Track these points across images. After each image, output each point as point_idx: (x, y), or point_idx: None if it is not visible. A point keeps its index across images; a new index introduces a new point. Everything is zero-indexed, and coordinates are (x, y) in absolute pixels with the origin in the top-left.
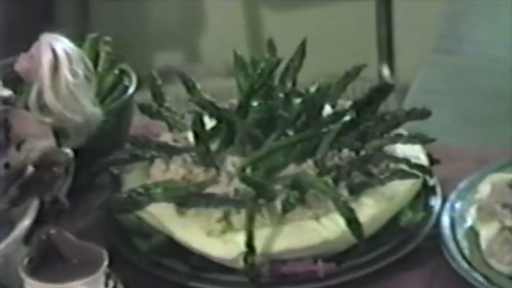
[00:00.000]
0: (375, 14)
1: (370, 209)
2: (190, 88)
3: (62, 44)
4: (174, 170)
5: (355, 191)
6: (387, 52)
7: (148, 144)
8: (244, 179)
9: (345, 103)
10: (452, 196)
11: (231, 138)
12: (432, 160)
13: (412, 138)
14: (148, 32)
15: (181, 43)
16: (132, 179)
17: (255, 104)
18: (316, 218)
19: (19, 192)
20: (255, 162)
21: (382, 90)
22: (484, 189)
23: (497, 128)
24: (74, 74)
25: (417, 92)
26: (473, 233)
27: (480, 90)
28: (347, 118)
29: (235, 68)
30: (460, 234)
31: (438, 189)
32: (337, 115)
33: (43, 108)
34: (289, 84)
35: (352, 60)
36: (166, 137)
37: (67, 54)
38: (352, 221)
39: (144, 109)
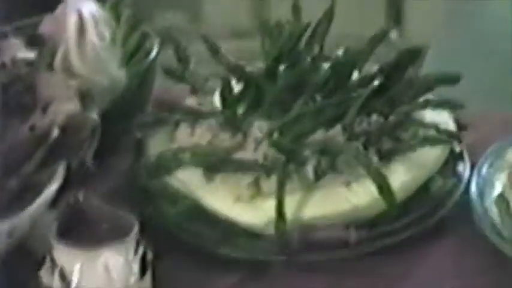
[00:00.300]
0: None
1: (400, 176)
2: (215, 51)
3: (88, 6)
4: (200, 135)
5: (385, 157)
6: (396, 15)
7: (174, 108)
8: (274, 144)
9: (370, 67)
10: (480, 162)
11: (258, 102)
12: (460, 126)
13: (442, 104)
14: None
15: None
16: (156, 144)
17: (282, 68)
18: (347, 184)
19: (45, 156)
20: (283, 127)
21: (411, 54)
22: None
23: None
24: (100, 36)
25: (436, 56)
26: (503, 200)
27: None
28: (375, 83)
29: (259, 31)
30: (489, 201)
31: (466, 156)
32: (365, 80)
33: (68, 71)
34: (316, 49)
35: (360, 22)
36: (191, 101)
37: (93, 16)
38: (384, 188)
39: (169, 73)
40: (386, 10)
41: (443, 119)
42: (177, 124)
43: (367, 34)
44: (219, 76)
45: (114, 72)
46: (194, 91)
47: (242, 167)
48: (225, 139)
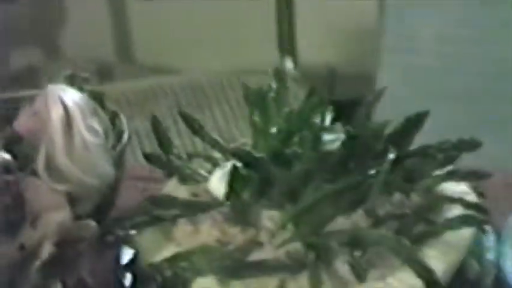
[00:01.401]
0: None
1: (438, 263)
2: (197, 130)
3: (71, 95)
4: (206, 232)
5: (416, 241)
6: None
7: (172, 202)
8: (299, 239)
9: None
10: (505, 234)
11: (265, 189)
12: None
13: (468, 175)
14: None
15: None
16: (149, 244)
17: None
18: (382, 278)
19: (38, 276)
20: (298, 216)
21: (416, 119)
22: None
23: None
24: (89, 129)
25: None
26: None
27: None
28: (391, 156)
29: (249, 103)
30: None
31: (488, 227)
32: (378, 154)
33: (55, 173)
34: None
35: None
36: (182, 191)
37: (79, 106)
38: (431, 283)
39: (152, 160)
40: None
41: (463, 188)
42: (174, 220)
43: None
44: (205, 158)
45: (105, 170)
46: (182, 179)
47: (265, 270)
48: (236, 234)
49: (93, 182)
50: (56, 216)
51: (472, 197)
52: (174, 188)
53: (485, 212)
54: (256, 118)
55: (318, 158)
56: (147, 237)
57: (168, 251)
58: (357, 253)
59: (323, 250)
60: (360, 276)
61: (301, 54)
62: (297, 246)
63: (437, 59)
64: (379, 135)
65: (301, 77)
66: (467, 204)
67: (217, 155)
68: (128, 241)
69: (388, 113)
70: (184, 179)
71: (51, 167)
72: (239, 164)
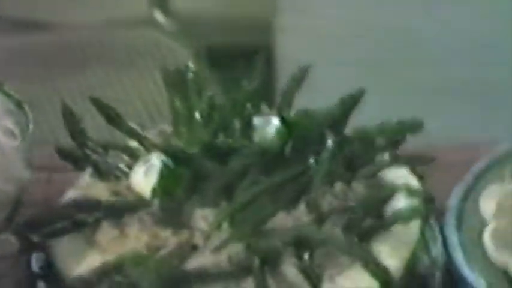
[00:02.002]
0: None
1: (390, 260)
2: (114, 118)
3: None
4: (133, 236)
5: (365, 237)
6: None
7: (95, 205)
8: (237, 240)
9: None
10: (448, 221)
11: (196, 186)
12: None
13: (414, 160)
14: None
15: None
16: (69, 251)
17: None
18: (332, 279)
19: None
20: (235, 215)
21: (352, 100)
22: (488, 207)
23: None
24: (5, 131)
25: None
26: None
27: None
28: (329, 143)
29: (167, 87)
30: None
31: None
32: (314, 140)
33: None
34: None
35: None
36: (100, 189)
37: None
38: (386, 283)
39: (65, 154)
40: None
41: (403, 173)
42: (96, 224)
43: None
44: (123, 150)
45: (21, 173)
46: (100, 175)
47: (206, 278)
48: (167, 237)
49: (8, 189)
50: None
51: (413, 182)
52: (90, 184)
53: (431, 199)
54: (178, 104)
55: (254, 150)
56: (66, 244)
57: (91, 259)
58: (304, 254)
59: (268, 253)
60: (313, 282)
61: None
62: (237, 249)
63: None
64: (315, 120)
65: (177, 28)
66: (412, 192)
67: (134, 144)
68: (43, 248)
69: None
70: (102, 175)
71: None
72: (167, 160)
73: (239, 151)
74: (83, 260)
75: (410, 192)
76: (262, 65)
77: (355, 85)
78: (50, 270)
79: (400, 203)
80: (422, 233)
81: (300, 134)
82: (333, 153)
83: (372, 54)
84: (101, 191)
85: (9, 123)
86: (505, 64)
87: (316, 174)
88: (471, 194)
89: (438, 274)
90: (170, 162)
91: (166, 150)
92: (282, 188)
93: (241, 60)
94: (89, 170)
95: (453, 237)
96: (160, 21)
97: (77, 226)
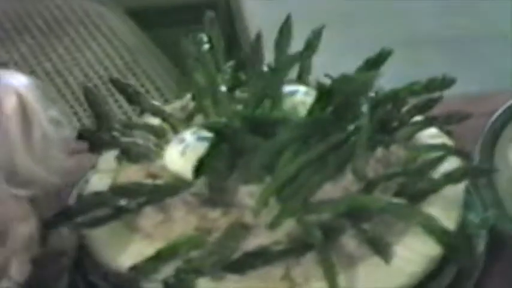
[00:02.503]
0: None
1: (443, 222)
2: (134, 97)
3: (24, 81)
4: (181, 219)
5: (417, 201)
6: None
7: (138, 190)
8: (288, 215)
9: None
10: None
11: (237, 162)
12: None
13: (448, 120)
14: None
15: None
16: (106, 240)
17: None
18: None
19: None
20: (282, 189)
21: (377, 59)
22: None
23: None
24: (52, 121)
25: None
26: None
27: None
28: (365, 108)
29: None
30: None
31: None
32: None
33: (13, 177)
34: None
35: None
36: (131, 172)
37: (36, 95)
38: (449, 247)
39: (92, 139)
40: None
41: (435, 132)
42: (138, 209)
43: None
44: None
45: (68, 164)
46: (131, 158)
47: (269, 259)
48: (217, 218)
49: (58, 181)
50: (23, 229)
51: (447, 140)
52: (119, 168)
53: (467, 157)
54: (199, 77)
55: (300, 122)
56: (106, 232)
57: (136, 246)
58: (363, 224)
59: (327, 226)
60: (384, 254)
61: None
62: (291, 224)
63: None
64: (351, 87)
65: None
66: (449, 151)
67: (155, 122)
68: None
69: None
70: (133, 158)
71: (9, 169)
72: (209, 136)
73: (283, 123)
74: (127, 248)
75: (446, 150)
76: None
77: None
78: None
79: (445, 164)
80: (469, 193)
81: (338, 101)
82: (371, 119)
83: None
84: (134, 174)
85: (54, 113)
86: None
87: (359, 141)
88: (496, 147)
89: (484, 233)
90: (213, 139)
91: (213, 128)
92: (325, 157)
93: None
94: (111, 153)
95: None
96: None
97: (119, 213)
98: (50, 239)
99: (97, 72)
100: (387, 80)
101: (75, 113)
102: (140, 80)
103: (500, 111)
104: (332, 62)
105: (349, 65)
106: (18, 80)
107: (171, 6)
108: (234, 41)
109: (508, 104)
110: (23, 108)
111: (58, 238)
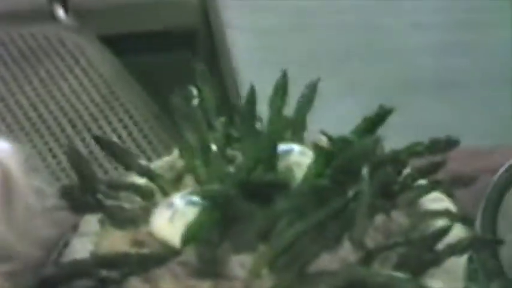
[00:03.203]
0: None
1: None
2: (121, 156)
3: (7, 148)
4: None
5: (419, 274)
6: None
7: (124, 260)
8: None
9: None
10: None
11: (230, 230)
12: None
13: (455, 183)
14: None
15: None
16: None
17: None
18: None
19: None
20: (275, 259)
21: (381, 116)
22: None
23: None
24: (36, 191)
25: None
26: None
27: None
28: (365, 171)
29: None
30: None
31: None
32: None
33: None
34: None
35: None
36: (115, 238)
37: (18, 163)
38: None
39: (76, 203)
40: None
41: (437, 195)
42: (123, 281)
43: None
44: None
45: (51, 235)
46: (118, 224)
47: None
48: None
49: (39, 254)
50: None
51: (448, 204)
52: (103, 233)
53: (472, 223)
54: (189, 135)
55: (302, 189)
56: None
57: None
58: None
59: None
60: None
61: None
62: None
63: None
64: (348, 151)
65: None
66: (454, 217)
67: (141, 182)
68: None
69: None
70: (118, 223)
71: None
72: (201, 202)
73: (280, 189)
74: None
75: (450, 217)
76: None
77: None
78: None
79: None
80: (471, 261)
81: (337, 165)
82: (371, 184)
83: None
84: (118, 241)
85: (38, 182)
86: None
87: (359, 208)
88: (500, 211)
89: None
90: (204, 204)
91: (207, 195)
92: (323, 225)
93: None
94: (94, 216)
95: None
96: (60, 17)
97: (102, 285)
98: None
99: (73, 105)
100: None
101: (50, 150)
102: (118, 115)
103: (502, 169)
104: (327, 106)
105: (345, 109)
106: (0, 147)
107: (146, 32)
108: (216, 71)
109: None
110: (5, 178)
111: None
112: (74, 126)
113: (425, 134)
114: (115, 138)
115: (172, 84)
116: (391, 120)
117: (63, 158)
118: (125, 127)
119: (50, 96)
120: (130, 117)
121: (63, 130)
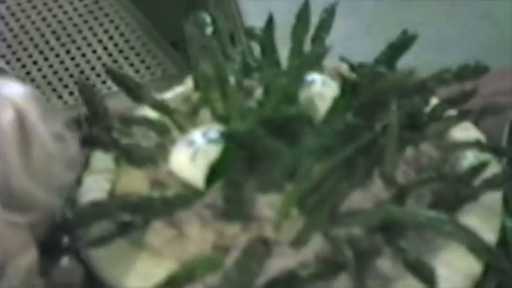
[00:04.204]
0: None
1: (485, 234)
2: (134, 90)
3: (22, 91)
4: (196, 236)
5: (455, 210)
6: None
7: (148, 204)
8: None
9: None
10: None
11: (254, 168)
12: None
13: (484, 113)
14: None
15: None
16: (110, 259)
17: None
18: None
19: None
20: (305, 198)
21: (403, 44)
22: None
23: None
24: (54, 135)
25: None
26: None
27: None
28: (393, 103)
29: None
30: None
31: None
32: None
33: (11, 201)
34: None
35: None
36: (133, 177)
37: (36, 106)
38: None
39: (92, 142)
40: None
41: (465, 125)
42: (146, 224)
43: None
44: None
45: (69, 180)
46: (135, 162)
47: (297, 284)
48: (236, 234)
49: (58, 201)
50: (22, 262)
51: (477, 133)
52: (119, 172)
53: (503, 153)
54: (204, 66)
55: (332, 127)
56: (110, 250)
57: (144, 266)
58: (400, 241)
59: (359, 244)
60: (429, 282)
61: None
62: (319, 241)
63: None
64: (378, 85)
65: None
66: (484, 148)
67: (154, 116)
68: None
69: None
70: (137, 162)
71: (6, 192)
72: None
73: (305, 125)
74: (134, 268)
75: (481, 147)
76: None
77: None
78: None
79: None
80: (506, 199)
81: (364, 98)
82: (400, 116)
83: None
84: (137, 181)
85: (57, 127)
86: None
87: (388, 142)
88: None
89: None
90: (227, 141)
91: (231, 135)
92: (352, 162)
93: None
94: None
95: None
96: None
97: (125, 229)
98: (54, 270)
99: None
100: None
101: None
102: (103, 25)
103: None
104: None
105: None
106: (16, 90)
107: None
108: None
109: None
110: (21, 123)
111: (62, 270)
112: (57, 38)
113: None
114: (100, 50)
115: None
116: None
117: (48, 71)
118: (111, 38)
119: (32, 6)
120: (116, 27)
121: (47, 42)
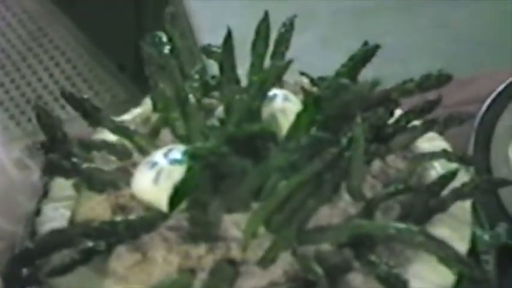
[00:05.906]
0: None
1: (455, 245)
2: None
3: None
4: (162, 260)
5: (422, 221)
6: None
7: (113, 229)
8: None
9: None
10: None
11: (219, 187)
12: None
13: (449, 122)
14: None
15: None
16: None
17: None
18: None
19: None
20: (271, 216)
21: (365, 56)
22: None
23: None
24: (18, 163)
25: None
26: None
27: None
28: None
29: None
30: None
31: None
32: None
33: None
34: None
35: None
36: (95, 203)
37: None
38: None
39: (52, 169)
40: None
41: (430, 134)
42: (110, 249)
43: None
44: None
45: (30, 208)
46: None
47: None
48: (202, 256)
49: (20, 230)
50: None
51: (443, 143)
52: (80, 199)
53: (470, 162)
54: (162, 86)
55: (301, 143)
56: (72, 278)
57: None
58: (370, 256)
59: (328, 260)
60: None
61: None
62: (288, 259)
63: None
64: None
65: None
66: (451, 158)
67: (114, 139)
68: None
69: None
70: (98, 187)
71: None
72: (189, 161)
73: (271, 141)
74: None
75: (449, 157)
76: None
77: None
78: None
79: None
80: (475, 208)
81: (328, 111)
82: (365, 128)
83: None
84: (98, 206)
85: (19, 154)
86: None
87: (354, 156)
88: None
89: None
90: (190, 161)
91: (195, 155)
92: (319, 177)
93: None
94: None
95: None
96: None
97: (88, 256)
98: None
99: None
100: None
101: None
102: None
103: (489, 100)
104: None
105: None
106: None
107: None
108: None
109: (497, 91)
110: None
111: None
112: (2, 67)
113: None
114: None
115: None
116: None
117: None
118: (57, 65)
119: None
120: (62, 53)
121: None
